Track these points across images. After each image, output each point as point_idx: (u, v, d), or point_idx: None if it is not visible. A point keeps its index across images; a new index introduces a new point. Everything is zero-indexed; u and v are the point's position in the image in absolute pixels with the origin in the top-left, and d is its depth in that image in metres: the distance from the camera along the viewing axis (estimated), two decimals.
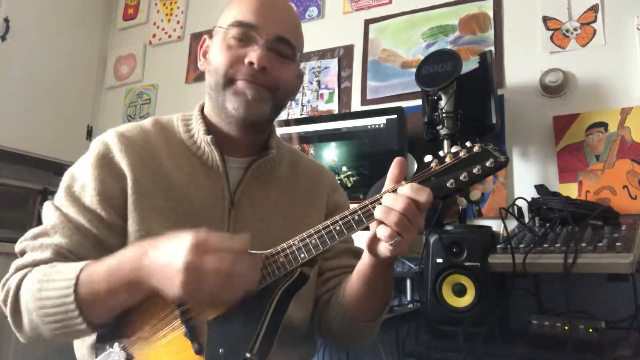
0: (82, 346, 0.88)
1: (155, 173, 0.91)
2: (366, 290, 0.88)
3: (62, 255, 0.84)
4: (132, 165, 0.90)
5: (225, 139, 0.96)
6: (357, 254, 0.85)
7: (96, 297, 0.77)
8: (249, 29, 0.91)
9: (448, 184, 0.75)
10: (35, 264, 0.84)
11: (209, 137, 0.94)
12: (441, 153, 0.78)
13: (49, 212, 0.89)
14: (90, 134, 2.74)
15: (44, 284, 0.79)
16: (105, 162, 0.91)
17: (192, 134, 0.97)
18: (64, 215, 0.87)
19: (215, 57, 0.93)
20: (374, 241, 0.79)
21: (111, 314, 0.80)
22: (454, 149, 0.77)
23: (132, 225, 0.88)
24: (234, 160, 0.97)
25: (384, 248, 0.76)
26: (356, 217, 0.77)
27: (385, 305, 0.93)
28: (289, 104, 1.04)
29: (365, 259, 0.85)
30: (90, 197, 0.88)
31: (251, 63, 0.89)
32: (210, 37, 0.99)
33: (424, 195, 0.72)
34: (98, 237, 0.87)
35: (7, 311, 0.83)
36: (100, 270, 0.77)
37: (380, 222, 0.74)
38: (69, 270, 0.78)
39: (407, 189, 0.73)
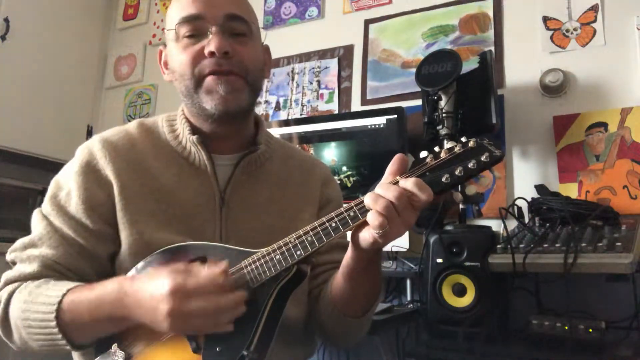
0: None
1: (142, 176, 0.91)
2: (351, 286, 0.87)
3: (49, 267, 0.84)
4: (118, 171, 0.89)
5: (211, 137, 0.95)
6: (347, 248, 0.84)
7: (80, 325, 0.78)
8: (196, 20, 0.89)
9: (443, 179, 0.74)
10: (23, 277, 0.85)
11: (194, 137, 0.93)
12: (436, 149, 0.77)
13: (36, 221, 0.89)
14: (90, 134, 2.74)
15: (28, 305, 0.80)
16: (90, 169, 0.90)
17: (177, 135, 0.96)
18: (51, 224, 0.87)
19: (176, 62, 0.91)
20: (358, 229, 0.78)
21: (98, 337, 0.81)
22: (449, 145, 0.77)
23: (123, 231, 0.87)
24: (222, 157, 0.96)
25: (367, 235, 0.75)
26: (352, 214, 0.76)
27: (372, 302, 0.92)
28: (263, 82, 1.01)
29: (349, 252, 0.83)
30: (75, 206, 0.87)
31: (212, 53, 0.87)
32: (165, 46, 0.97)
33: (425, 193, 0.71)
34: (85, 246, 0.86)
35: None
36: (82, 300, 0.77)
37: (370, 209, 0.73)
38: (51, 294, 0.79)
39: (410, 182, 0.72)
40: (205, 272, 0.73)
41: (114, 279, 0.80)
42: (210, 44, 0.87)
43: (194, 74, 0.89)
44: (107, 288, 0.77)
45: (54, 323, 0.77)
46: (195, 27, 0.89)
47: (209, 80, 0.89)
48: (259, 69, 0.95)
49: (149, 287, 0.73)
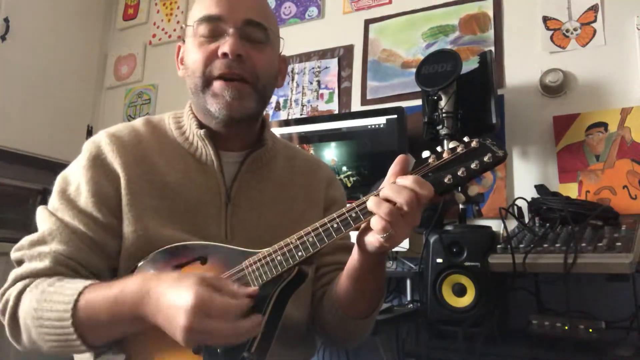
0: None
1: (148, 172, 0.91)
2: (355, 288, 0.87)
3: (60, 262, 0.83)
4: (125, 165, 0.89)
5: (217, 134, 0.95)
6: (352, 250, 0.84)
7: (96, 325, 0.76)
8: (216, 21, 0.89)
9: (446, 180, 0.74)
10: (34, 274, 0.83)
11: (202, 131, 0.93)
12: (439, 149, 0.77)
13: (44, 218, 0.88)
14: (90, 134, 2.73)
15: (42, 303, 0.78)
16: (98, 163, 0.90)
17: (184, 131, 0.96)
18: (60, 220, 0.86)
19: (190, 58, 0.92)
20: (364, 232, 0.77)
21: (113, 339, 0.79)
22: (451, 145, 0.76)
23: (127, 226, 0.87)
24: (229, 154, 0.96)
25: (373, 239, 0.75)
26: (353, 214, 0.76)
27: (376, 303, 0.92)
28: (274, 90, 1.00)
29: (355, 254, 0.83)
30: (85, 200, 0.87)
31: (225, 54, 0.87)
32: (183, 42, 0.98)
33: (425, 190, 0.71)
34: (95, 240, 0.86)
35: (5, 323, 0.83)
36: (100, 299, 0.76)
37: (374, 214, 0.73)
38: (67, 293, 0.77)
39: (409, 180, 0.72)
40: (232, 293, 0.72)
41: (137, 275, 0.78)
42: (225, 45, 0.88)
43: (205, 74, 0.89)
44: (128, 285, 0.75)
45: (69, 322, 0.75)
46: (214, 27, 0.90)
47: (217, 84, 0.89)
48: (271, 77, 0.95)
49: (173, 294, 0.70)
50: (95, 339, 0.78)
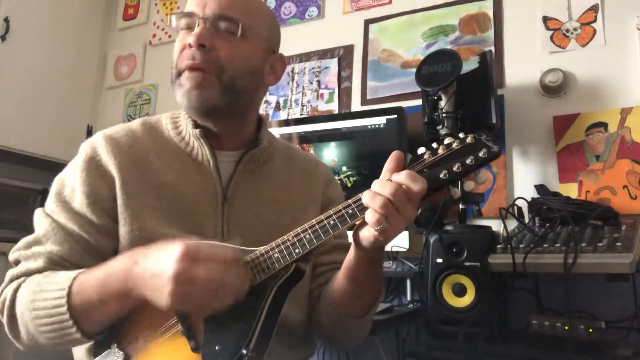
0: (81, 347, 0.88)
1: (144, 173, 0.91)
2: (353, 286, 0.87)
3: (55, 263, 0.84)
4: (120, 167, 0.90)
5: (212, 133, 0.95)
6: (349, 249, 0.84)
7: (89, 307, 0.77)
8: (190, 16, 0.91)
9: (441, 175, 0.74)
10: (29, 273, 0.84)
11: (197, 131, 0.93)
12: (434, 145, 0.77)
13: (40, 220, 0.89)
14: (90, 134, 2.73)
15: (37, 294, 0.79)
16: (93, 165, 0.90)
17: (180, 131, 0.97)
18: (55, 222, 0.87)
19: (174, 50, 0.94)
20: (360, 228, 0.78)
21: (105, 322, 0.80)
22: (447, 141, 0.77)
23: (124, 226, 0.87)
24: (225, 154, 0.96)
25: (368, 233, 0.75)
26: (350, 211, 0.76)
27: (373, 302, 0.92)
28: (258, 86, 0.98)
29: (351, 251, 0.83)
30: (80, 202, 0.88)
31: (190, 45, 0.88)
32: None
33: (418, 184, 0.71)
34: (90, 242, 0.86)
35: (4, 321, 0.84)
36: (91, 281, 0.77)
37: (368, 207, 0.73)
38: (61, 280, 0.78)
39: (402, 176, 0.72)
40: (219, 245, 0.74)
41: (125, 253, 0.79)
42: (192, 35, 0.88)
43: (178, 64, 0.91)
44: (117, 260, 0.77)
45: (64, 308, 0.76)
46: (189, 22, 0.91)
47: (184, 74, 0.90)
48: (241, 69, 0.91)
49: (161, 251, 0.72)
50: (90, 323, 0.78)
